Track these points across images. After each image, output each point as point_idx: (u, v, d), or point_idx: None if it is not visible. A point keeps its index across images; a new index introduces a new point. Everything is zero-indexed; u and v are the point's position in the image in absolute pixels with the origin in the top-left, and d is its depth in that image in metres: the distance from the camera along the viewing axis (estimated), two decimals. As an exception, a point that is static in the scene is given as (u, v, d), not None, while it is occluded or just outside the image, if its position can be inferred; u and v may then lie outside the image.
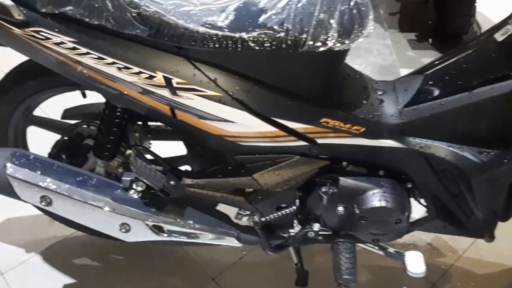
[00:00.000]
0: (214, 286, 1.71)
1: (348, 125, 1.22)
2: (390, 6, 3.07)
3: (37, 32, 1.11)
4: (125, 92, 1.18)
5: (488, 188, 1.27)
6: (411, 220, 1.37)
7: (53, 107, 1.63)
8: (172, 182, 1.29)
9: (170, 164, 1.34)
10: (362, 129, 1.23)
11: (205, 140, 1.26)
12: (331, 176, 1.32)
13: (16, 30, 1.12)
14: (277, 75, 1.16)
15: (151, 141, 1.60)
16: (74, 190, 1.30)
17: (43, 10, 1.08)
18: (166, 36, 1.06)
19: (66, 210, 1.34)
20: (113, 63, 1.13)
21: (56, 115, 1.62)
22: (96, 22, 1.06)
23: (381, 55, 2.35)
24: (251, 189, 1.36)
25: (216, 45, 1.06)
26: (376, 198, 1.29)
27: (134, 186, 1.32)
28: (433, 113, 1.22)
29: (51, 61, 1.17)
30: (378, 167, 1.32)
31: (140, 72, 1.13)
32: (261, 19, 1.05)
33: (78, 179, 1.32)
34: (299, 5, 1.06)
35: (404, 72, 2.35)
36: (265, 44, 1.06)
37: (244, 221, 1.45)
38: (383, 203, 1.28)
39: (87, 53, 1.12)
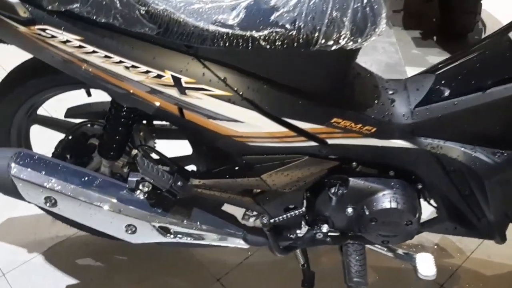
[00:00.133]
0: (219, 287, 1.70)
1: (359, 125, 1.20)
2: (394, 3, 3.05)
3: (43, 30, 1.09)
4: (132, 92, 1.16)
5: (501, 189, 1.25)
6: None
7: (53, 106, 1.61)
8: (179, 183, 1.27)
9: (177, 164, 1.31)
10: (373, 129, 1.21)
11: (213, 140, 1.24)
12: (341, 177, 1.30)
13: (22, 28, 1.09)
14: (287, 74, 1.14)
15: (156, 140, 1.58)
16: (80, 191, 1.28)
17: (49, 7, 1.06)
18: (175, 35, 1.04)
19: (71, 211, 1.32)
20: (121, 61, 1.10)
21: (57, 114, 1.60)
22: (103, 20, 1.04)
23: (386, 53, 2.33)
24: (259, 190, 1.34)
25: (227, 44, 1.04)
26: (387, 199, 1.27)
27: (140, 186, 1.30)
28: (445, 113, 1.20)
29: (56, 60, 1.14)
30: (388, 167, 1.30)
31: (148, 71, 1.11)
32: (272, 17, 1.03)
33: (83, 179, 1.30)
34: (311, 2, 1.04)
35: (409, 70, 2.35)
36: (276, 43, 1.04)
37: (251, 222, 1.43)
38: (393, 205, 1.26)
39: (94, 52, 1.10)
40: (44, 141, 1.61)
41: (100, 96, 1.40)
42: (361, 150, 1.24)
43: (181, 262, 1.76)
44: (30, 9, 1.07)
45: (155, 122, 1.53)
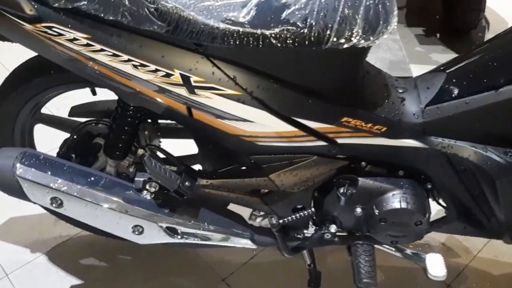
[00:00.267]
0: (225, 287, 1.68)
1: (369, 125, 1.18)
2: (397, 0, 3.03)
3: (50, 28, 1.07)
4: (140, 90, 1.14)
5: (513, 189, 1.23)
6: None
7: (54, 104, 1.59)
8: (187, 183, 1.25)
9: (185, 164, 1.30)
10: (384, 129, 1.19)
11: (221, 139, 1.22)
12: (350, 177, 1.28)
13: (27, 26, 1.07)
14: (297, 73, 1.13)
15: (161, 139, 1.56)
16: (86, 192, 1.26)
17: (56, 5, 1.04)
18: (185, 33, 1.02)
19: (78, 212, 1.30)
20: (129, 60, 1.09)
21: (59, 113, 1.59)
22: (111, 18, 1.03)
23: (390, 50, 2.31)
24: (266, 190, 1.33)
25: (237, 42, 1.02)
26: (397, 200, 1.25)
27: (147, 187, 1.28)
28: (457, 112, 1.19)
29: (63, 58, 1.12)
30: (397, 167, 1.29)
31: (156, 70, 1.09)
32: (283, 14, 1.02)
33: (89, 180, 1.28)
34: (323, 0, 1.02)
35: (413, 67, 2.33)
36: (288, 41, 1.02)
37: (258, 222, 1.42)
38: (403, 205, 1.24)
39: (102, 50, 1.08)
40: (43, 140, 1.60)
41: (104, 94, 1.39)
42: (371, 149, 1.23)
43: (186, 262, 1.74)
44: (36, 6, 1.05)
45: (160, 121, 1.52)
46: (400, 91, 1.25)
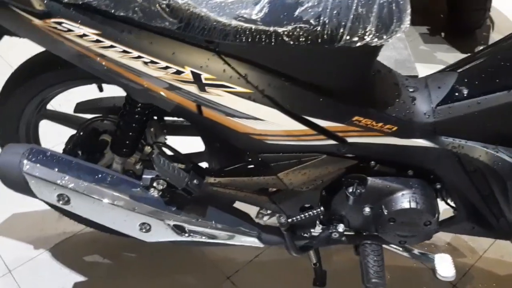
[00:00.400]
0: (230, 285, 1.68)
1: (380, 124, 1.17)
2: (401, -2, 3.02)
3: (59, 23, 1.05)
4: (150, 87, 1.13)
5: (524, 190, 1.23)
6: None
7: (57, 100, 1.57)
8: (195, 181, 1.24)
9: (192, 162, 1.29)
10: (394, 128, 1.18)
11: (229, 137, 1.21)
12: (359, 176, 1.27)
13: (37, 21, 1.06)
14: (309, 71, 1.11)
15: (167, 137, 1.55)
16: (93, 189, 1.25)
17: (66, 0, 1.02)
18: (196, 29, 1.01)
19: (85, 209, 1.29)
20: (139, 57, 1.07)
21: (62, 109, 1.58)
22: (122, 14, 1.01)
23: (395, 49, 2.30)
24: (274, 189, 1.32)
25: (249, 40, 1.01)
26: (406, 199, 1.24)
27: (154, 184, 1.27)
28: (468, 112, 1.17)
29: (72, 54, 1.11)
30: (407, 167, 1.28)
31: (167, 67, 1.08)
32: (296, 12, 1.00)
33: (97, 177, 1.27)
34: (336, -3, 1.01)
35: (419, 66, 2.32)
36: (300, 39, 1.01)
37: (265, 220, 1.41)
38: (413, 205, 1.23)
39: (112, 46, 1.07)
40: (45, 136, 1.59)
41: (109, 91, 1.38)
42: (381, 149, 1.22)
43: (191, 259, 1.74)
44: (46, 1, 1.04)
45: (166, 118, 1.50)
46: (411, 90, 1.24)
